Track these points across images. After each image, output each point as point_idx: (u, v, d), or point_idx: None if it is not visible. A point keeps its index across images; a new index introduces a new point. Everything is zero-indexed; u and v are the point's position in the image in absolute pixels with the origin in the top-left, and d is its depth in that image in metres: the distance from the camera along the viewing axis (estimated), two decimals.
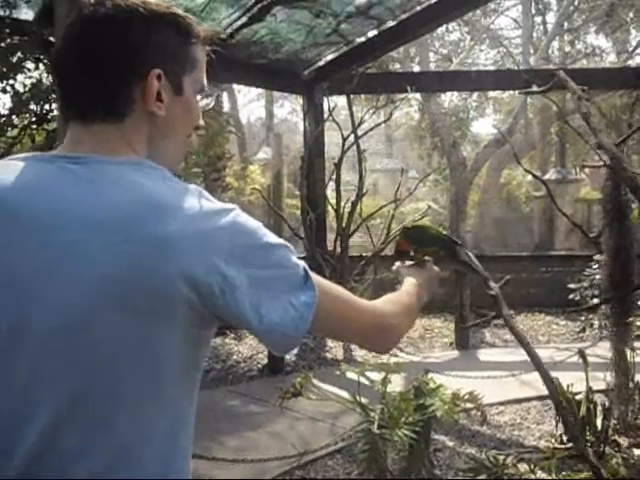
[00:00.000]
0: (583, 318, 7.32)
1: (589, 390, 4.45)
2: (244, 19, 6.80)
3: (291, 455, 4.37)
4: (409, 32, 7.69)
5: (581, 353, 4.64)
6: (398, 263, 1.99)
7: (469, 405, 3.47)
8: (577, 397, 4.50)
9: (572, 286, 5.05)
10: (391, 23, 7.51)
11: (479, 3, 8.33)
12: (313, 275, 1.24)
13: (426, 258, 2.01)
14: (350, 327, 1.36)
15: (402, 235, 2.16)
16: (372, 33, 7.75)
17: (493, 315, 3.47)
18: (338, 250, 8.10)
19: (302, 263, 1.24)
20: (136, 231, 1.08)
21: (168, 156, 1.31)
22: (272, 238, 1.21)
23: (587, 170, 20.37)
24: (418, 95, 13.27)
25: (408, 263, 2.00)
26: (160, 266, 1.07)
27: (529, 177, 18.22)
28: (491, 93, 17.23)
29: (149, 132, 1.26)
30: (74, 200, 1.11)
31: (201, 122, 1.37)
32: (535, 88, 3.74)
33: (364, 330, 1.39)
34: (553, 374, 5.65)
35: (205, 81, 1.35)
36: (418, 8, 7.08)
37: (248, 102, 39.40)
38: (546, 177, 14.32)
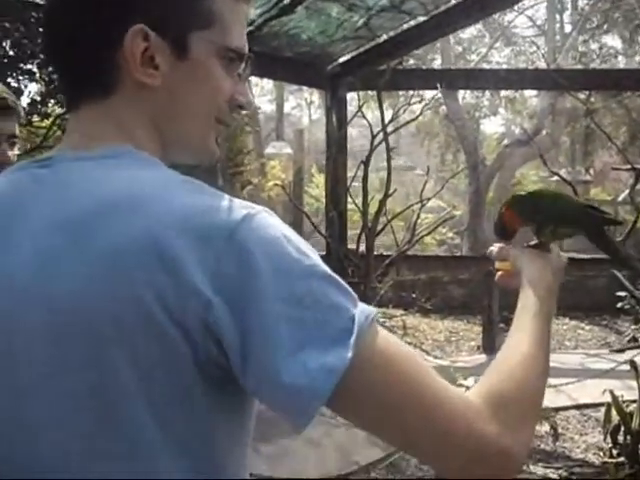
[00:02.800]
0: (634, 326, 7.19)
1: None
2: (274, 11, 6.63)
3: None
4: (439, 28, 7.54)
5: (632, 363, 4.48)
6: (498, 245, 1.38)
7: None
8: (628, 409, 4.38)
9: (621, 294, 4.90)
10: (421, 19, 7.36)
11: (511, 2, 8.16)
12: (373, 332, 0.82)
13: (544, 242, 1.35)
14: (418, 431, 0.83)
15: (511, 207, 1.43)
16: (401, 29, 7.60)
17: None
18: (361, 249, 7.93)
19: (355, 310, 0.82)
20: (89, 241, 0.80)
21: (184, 143, 0.99)
22: (310, 261, 0.83)
23: (592, 171, 20.35)
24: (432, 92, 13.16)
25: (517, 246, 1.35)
26: (121, 284, 0.79)
27: (535, 178, 18.14)
28: (504, 92, 17.04)
29: (149, 110, 0.94)
30: (27, 215, 0.87)
31: (241, 98, 1.01)
32: None
33: (449, 444, 0.84)
34: (590, 382, 5.55)
35: (236, 42, 0.98)
36: (452, 2, 6.93)
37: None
38: (555, 178, 14.18)
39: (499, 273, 1.37)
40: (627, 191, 6.30)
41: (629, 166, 5.64)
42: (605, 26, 15.48)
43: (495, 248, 1.36)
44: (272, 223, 0.84)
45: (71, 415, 0.82)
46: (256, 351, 0.78)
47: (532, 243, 1.35)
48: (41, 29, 0.88)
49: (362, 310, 0.82)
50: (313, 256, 0.84)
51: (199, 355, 0.80)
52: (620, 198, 14.73)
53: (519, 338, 1.03)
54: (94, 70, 0.93)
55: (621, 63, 17.55)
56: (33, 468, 0.83)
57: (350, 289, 0.84)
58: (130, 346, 0.79)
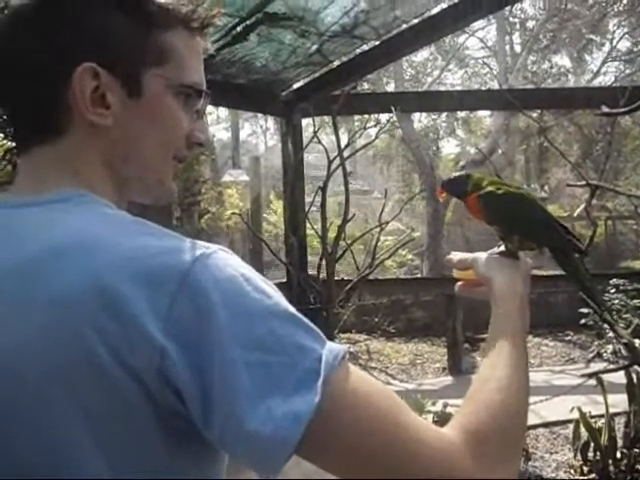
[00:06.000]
0: (596, 343, 7.22)
1: (611, 418, 4.28)
2: (227, 39, 6.60)
3: None
4: (392, 52, 7.57)
5: (598, 379, 4.46)
6: (458, 253, 1.27)
7: None
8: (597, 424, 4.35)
9: (585, 310, 4.92)
10: (374, 43, 7.41)
11: (461, 25, 8.23)
12: (343, 372, 0.77)
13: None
14: (396, 474, 0.77)
15: (480, 202, 1.28)
16: (354, 54, 7.64)
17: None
18: (322, 275, 7.87)
19: (322, 350, 0.77)
20: (36, 290, 0.76)
21: (141, 184, 0.96)
22: (271, 300, 0.78)
23: (547, 188, 20.65)
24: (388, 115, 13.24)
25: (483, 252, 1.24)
26: (68, 331, 0.74)
27: None
28: (460, 113, 17.23)
29: (102, 151, 0.91)
30: None
31: (200, 135, 0.99)
32: (605, 109, 3.37)
33: None
34: (557, 400, 5.53)
35: (193, 78, 0.96)
36: (403, 26, 6.97)
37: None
38: None
39: (459, 283, 1.28)
40: (583, 206, 6.36)
41: (584, 182, 5.67)
42: (554, 46, 15.75)
43: (454, 257, 1.27)
44: (228, 262, 0.80)
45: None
46: (217, 400, 0.74)
47: (499, 250, 1.25)
48: None
49: (330, 349, 0.78)
50: (274, 295, 0.79)
51: (156, 404, 0.75)
52: (575, 214, 14.94)
53: (493, 362, 0.98)
54: (42, 112, 0.90)
55: (571, 81, 17.89)
56: None
57: (316, 328, 0.80)
58: (80, 398, 0.74)
